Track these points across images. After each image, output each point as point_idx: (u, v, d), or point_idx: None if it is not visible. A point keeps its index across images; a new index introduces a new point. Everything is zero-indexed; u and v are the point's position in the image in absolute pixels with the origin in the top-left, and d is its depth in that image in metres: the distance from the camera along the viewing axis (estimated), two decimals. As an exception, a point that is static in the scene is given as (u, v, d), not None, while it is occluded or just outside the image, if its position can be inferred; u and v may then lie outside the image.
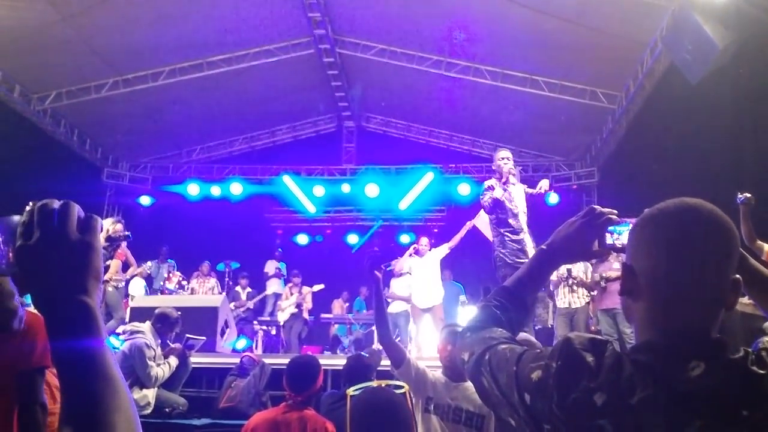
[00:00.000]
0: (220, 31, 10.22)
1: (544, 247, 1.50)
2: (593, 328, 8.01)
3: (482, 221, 7.70)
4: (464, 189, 12.37)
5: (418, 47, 10.79)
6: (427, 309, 8.30)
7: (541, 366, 1.09)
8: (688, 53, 7.09)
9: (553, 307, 8.82)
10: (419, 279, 8.52)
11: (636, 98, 9.73)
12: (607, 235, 1.46)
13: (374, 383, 2.40)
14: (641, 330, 1.11)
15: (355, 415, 2.14)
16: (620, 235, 1.45)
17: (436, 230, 12.84)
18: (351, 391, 2.24)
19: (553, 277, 8.08)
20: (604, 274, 7.37)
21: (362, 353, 5.18)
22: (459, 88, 11.34)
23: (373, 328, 10.44)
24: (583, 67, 9.85)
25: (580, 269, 7.77)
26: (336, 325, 11.35)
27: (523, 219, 6.02)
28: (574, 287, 7.79)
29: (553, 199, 12.34)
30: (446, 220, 13.27)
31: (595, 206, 1.48)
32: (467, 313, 9.34)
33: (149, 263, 10.24)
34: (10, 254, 0.95)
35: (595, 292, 7.74)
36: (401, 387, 2.31)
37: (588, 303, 7.85)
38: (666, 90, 8.72)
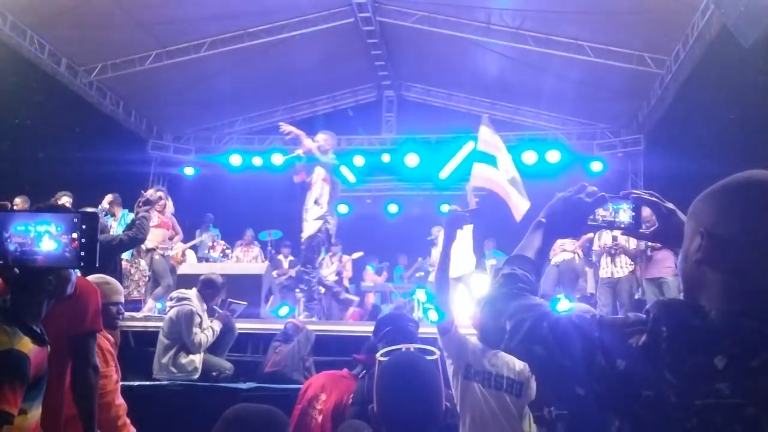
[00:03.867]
0: (260, 1, 10.21)
1: (543, 219, 1.50)
2: (637, 296, 7.92)
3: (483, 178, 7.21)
4: (505, 158, 12.20)
5: (459, 13, 10.60)
6: (458, 278, 8.26)
7: (643, 331, 1.06)
8: (740, 15, 6.81)
9: (595, 277, 8.72)
10: (456, 249, 8.48)
11: (685, 63, 9.39)
12: (601, 210, 1.50)
13: (403, 347, 2.37)
14: (722, 298, 1.08)
15: (383, 379, 2.09)
16: (616, 211, 1.51)
17: (476, 200, 12.72)
18: (379, 355, 2.22)
19: (596, 246, 8.00)
20: (649, 243, 7.24)
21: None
22: (501, 54, 11.13)
23: (415, 296, 10.53)
24: (630, 31, 9.53)
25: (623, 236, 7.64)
26: (372, 294, 11.45)
27: None
28: (616, 257, 7.69)
29: (598, 166, 12.12)
30: (486, 190, 13.13)
31: (586, 183, 1.52)
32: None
33: (203, 235, 10.46)
34: (74, 245, 0.99)
35: (637, 261, 7.62)
36: (432, 353, 2.29)
37: (631, 272, 7.74)
38: (717, 54, 8.38)
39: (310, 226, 7.23)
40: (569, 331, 1.14)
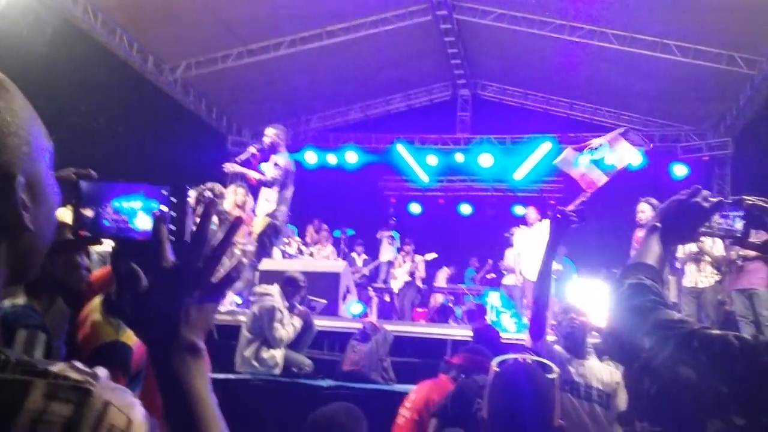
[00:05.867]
0: (339, 0, 10.30)
1: (657, 224, 1.40)
2: (727, 308, 7.56)
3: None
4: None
5: (539, 11, 10.39)
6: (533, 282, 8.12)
7: None
8: None
9: (678, 285, 8.38)
10: (527, 250, 8.38)
11: (780, 63, 8.92)
12: (716, 217, 1.39)
13: (519, 357, 2.30)
14: None
15: (498, 387, 2.03)
16: (732, 219, 1.40)
17: (552, 202, 12.48)
18: (495, 364, 2.16)
19: (680, 253, 7.67)
20: (741, 252, 6.90)
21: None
22: (582, 53, 10.82)
23: (488, 300, 10.41)
24: (720, 29, 9.09)
25: (709, 245, 7.31)
26: (438, 295, 11.38)
27: None
28: (701, 265, 7.36)
29: (681, 171, 11.65)
30: (563, 191, 12.87)
31: (699, 186, 1.41)
32: (577, 290, 9.05)
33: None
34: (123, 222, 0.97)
35: (724, 271, 7.27)
36: (552, 370, 2.21)
37: (717, 282, 7.40)
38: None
39: (259, 222, 7.20)
40: (729, 353, 1.04)
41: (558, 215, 3.04)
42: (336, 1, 10.33)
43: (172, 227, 1.05)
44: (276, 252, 9.76)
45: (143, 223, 1.02)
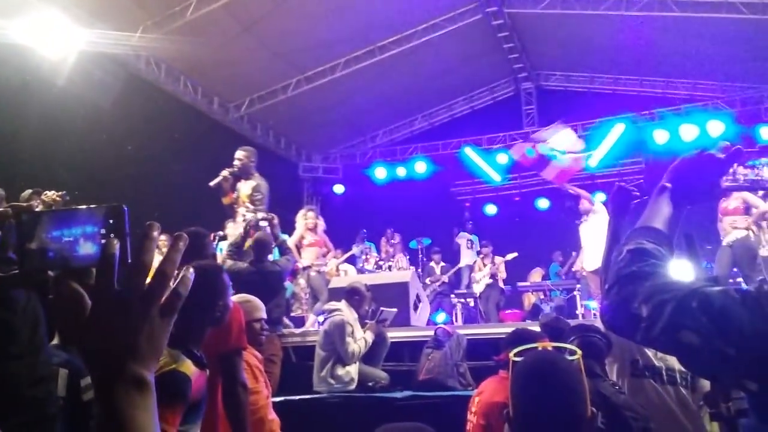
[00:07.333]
0: (386, 13, 10.40)
1: (667, 184, 1.26)
2: None
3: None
4: (661, 136, 11.35)
5: (591, -11, 10.07)
6: (595, 272, 7.75)
7: None
8: None
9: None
10: (585, 239, 8.07)
11: None
12: (740, 168, 1.22)
13: (539, 345, 2.18)
14: None
15: (518, 381, 1.92)
16: (759, 168, 1.22)
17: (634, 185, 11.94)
18: (513, 355, 2.06)
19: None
20: None
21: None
22: (644, 26, 10.36)
23: (575, 293, 10.07)
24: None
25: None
26: (531, 294, 11.12)
27: None
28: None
29: (768, 134, 10.85)
30: (644, 171, 12.31)
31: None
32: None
33: (359, 246, 10.76)
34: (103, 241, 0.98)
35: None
36: (573, 352, 2.09)
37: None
38: None
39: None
40: (730, 308, 0.93)
41: (617, 191, 2.78)
42: (383, 15, 10.41)
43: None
44: (351, 269, 9.88)
45: (86, 248, 1.05)
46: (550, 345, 2.19)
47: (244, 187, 6.80)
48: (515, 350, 1.98)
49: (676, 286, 1.04)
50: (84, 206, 1.04)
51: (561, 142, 7.93)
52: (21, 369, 2.00)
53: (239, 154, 6.94)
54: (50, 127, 7.70)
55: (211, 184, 6.79)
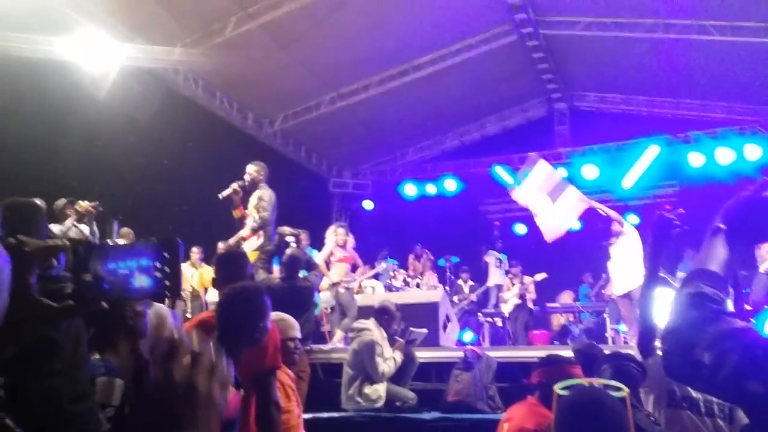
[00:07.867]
0: (421, 33, 10.44)
1: (721, 225, 1.23)
2: None
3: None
4: (696, 159, 11.19)
5: (628, 13, 9.99)
6: (624, 296, 7.61)
7: None
8: None
9: None
10: (614, 262, 7.94)
11: None
12: None
13: (585, 381, 2.18)
14: None
15: (564, 416, 1.96)
16: None
17: (668, 207, 11.75)
18: (558, 388, 2.07)
19: None
20: None
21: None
22: (680, 50, 10.27)
23: (605, 315, 9.92)
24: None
25: None
26: (560, 315, 10.99)
27: None
28: None
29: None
30: (679, 195, 12.12)
31: None
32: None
33: (383, 264, 10.75)
34: (158, 274, 1.00)
35: None
36: (620, 389, 2.08)
37: None
38: None
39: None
40: None
41: (658, 220, 2.76)
42: (418, 34, 10.46)
43: (167, 283, 1.10)
44: (379, 285, 9.88)
45: (141, 281, 1.08)
46: (596, 381, 2.18)
47: (252, 199, 6.93)
48: (562, 384, 1.99)
49: (739, 333, 1.04)
50: (140, 240, 1.08)
51: (534, 186, 8.14)
52: (62, 385, 2.04)
53: (250, 168, 7.07)
54: (90, 140, 7.90)
55: (221, 195, 6.90)
